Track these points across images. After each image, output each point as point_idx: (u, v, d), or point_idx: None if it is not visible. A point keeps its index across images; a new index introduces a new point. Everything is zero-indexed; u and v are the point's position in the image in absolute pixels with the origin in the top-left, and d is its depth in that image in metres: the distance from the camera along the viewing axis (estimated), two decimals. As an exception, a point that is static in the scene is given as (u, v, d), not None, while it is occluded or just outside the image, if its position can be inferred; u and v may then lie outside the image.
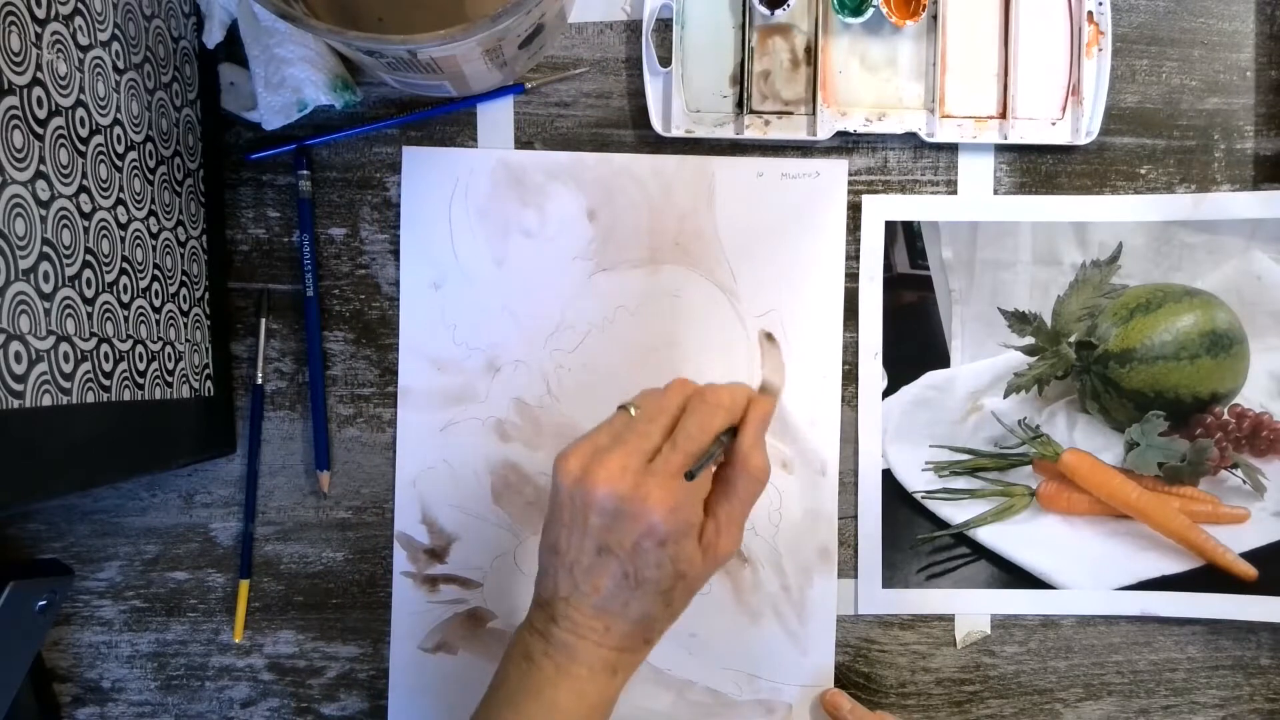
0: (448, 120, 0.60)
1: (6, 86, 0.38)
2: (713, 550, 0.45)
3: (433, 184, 0.59)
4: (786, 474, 0.60)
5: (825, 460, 0.60)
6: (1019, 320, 0.60)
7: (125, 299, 0.48)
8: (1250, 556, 0.59)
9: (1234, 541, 0.59)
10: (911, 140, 0.60)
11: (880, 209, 0.60)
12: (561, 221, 0.59)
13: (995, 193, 0.60)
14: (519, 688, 0.44)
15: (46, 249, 0.41)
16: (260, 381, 0.60)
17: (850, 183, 0.60)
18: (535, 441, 0.60)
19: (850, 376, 0.60)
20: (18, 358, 0.38)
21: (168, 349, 0.52)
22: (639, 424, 0.45)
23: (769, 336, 0.59)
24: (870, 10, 0.58)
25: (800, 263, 0.60)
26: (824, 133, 0.59)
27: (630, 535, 0.42)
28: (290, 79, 0.55)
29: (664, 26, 0.59)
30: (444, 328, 0.60)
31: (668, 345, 0.60)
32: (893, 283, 0.60)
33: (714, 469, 0.46)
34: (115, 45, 0.47)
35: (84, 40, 0.44)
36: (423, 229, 0.59)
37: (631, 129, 0.60)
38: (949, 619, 0.61)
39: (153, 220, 0.50)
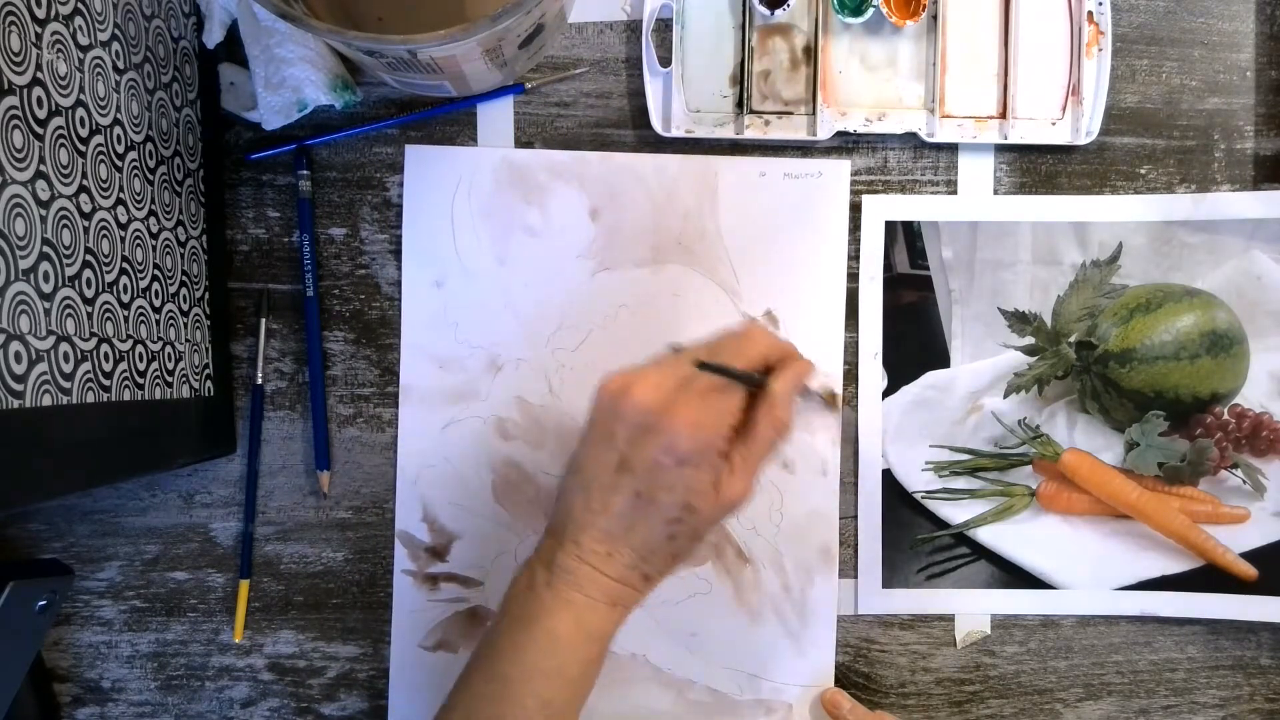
0: (448, 120, 0.60)
1: (6, 86, 0.38)
2: (723, 490, 0.44)
3: (435, 182, 0.59)
4: (787, 474, 0.60)
5: (825, 460, 0.60)
6: (1019, 320, 0.60)
7: (125, 299, 0.48)
8: (1250, 556, 0.59)
9: (1234, 541, 0.59)
10: (911, 140, 0.60)
11: (880, 209, 0.60)
12: (564, 220, 0.59)
13: (995, 193, 0.60)
14: (519, 616, 0.45)
15: (46, 249, 0.41)
16: (260, 381, 0.60)
17: (850, 183, 0.60)
18: (537, 440, 0.60)
19: (850, 376, 0.60)
20: (18, 358, 0.38)
21: (168, 349, 0.52)
22: (685, 354, 0.46)
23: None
24: (870, 10, 0.58)
25: (802, 262, 0.60)
26: (824, 133, 0.59)
27: (651, 450, 0.43)
28: (290, 79, 0.55)
29: (664, 26, 0.59)
30: (446, 326, 0.60)
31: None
32: (893, 283, 0.60)
33: (739, 412, 0.46)
34: (115, 45, 0.47)
35: (84, 40, 0.44)
36: (425, 227, 0.59)
37: (631, 129, 0.60)
38: (949, 619, 0.61)
39: (153, 220, 0.51)
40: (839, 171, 0.60)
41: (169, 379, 0.52)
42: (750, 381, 0.46)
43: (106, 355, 0.45)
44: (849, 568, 0.60)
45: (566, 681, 0.44)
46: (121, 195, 0.47)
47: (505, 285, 0.60)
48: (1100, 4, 0.59)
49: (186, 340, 0.54)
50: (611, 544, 0.44)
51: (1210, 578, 0.59)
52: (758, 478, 0.46)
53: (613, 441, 0.44)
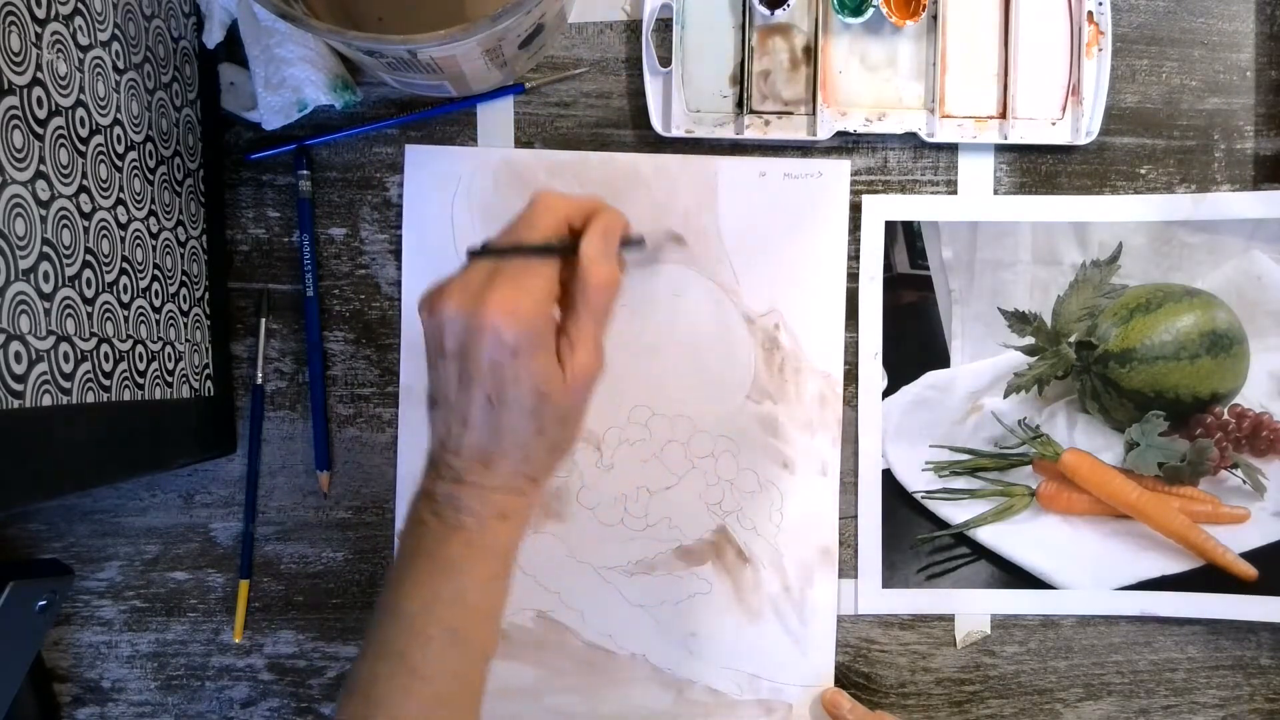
0: (448, 120, 0.60)
1: (6, 86, 0.38)
2: (570, 367, 0.43)
3: (435, 182, 0.59)
4: (787, 474, 0.60)
5: (826, 460, 0.60)
6: (1019, 320, 0.60)
7: (125, 299, 0.48)
8: (1250, 556, 0.59)
9: (1234, 541, 0.59)
10: (911, 140, 0.60)
11: (880, 209, 0.60)
12: None
13: (995, 193, 0.60)
14: (413, 550, 0.44)
15: (46, 249, 0.41)
16: (260, 381, 0.60)
17: (850, 183, 0.60)
18: (535, 441, 0.60)
19: (850, 376, 0.60)
20: (18, 358, 0.38)
21: (168, 349, 0.52)
22: (483, 251, 0.44)
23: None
24: (870, 10, 0.58)
25: (802, 262, 0.60)
26: (824, 133, 0.59)
27: (482, 350, 0.41)
28: (290, 79, 0.55)
29: (664, 26, 0.59)
30: (444, 327, 0.60)
31: (669, 344, 0.60)
32: (893, 283, 0.60)
33: (557, 283, 0.43)
34: (115, 45, 0.47)
35: (84, 40, 0.44)
36: (425, 227, 0.59)
37: (631, 129, 0.60)
38: (949, 619, 0.61)
39: (153, 220, 0.50)
40: (839, 171, 0.60)
41: (169, 379, 0.52)
42: (551, 250, 0.43)
43: (106, 355, 0.45)
44: (849, 568, 0.60)
45: (468, 607, 0.43)
46: (121, 195, 0.47)
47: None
48: (1100, 4, 0.59)
49: (186, 340, 0.54)
50: (484, 455, 0.43)
51: (1210, 578, 0.59)
52: (600, 345, 0.44)
53: (445, 355, 0.42)
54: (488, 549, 0.43)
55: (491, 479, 0.43)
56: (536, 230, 0.43)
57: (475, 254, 0.44)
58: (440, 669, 0.42)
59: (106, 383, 0.45)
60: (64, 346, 0.42)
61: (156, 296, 0.51)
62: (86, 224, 0.44)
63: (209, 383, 0.57)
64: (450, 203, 0.59)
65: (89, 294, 0.44)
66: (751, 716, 0.60)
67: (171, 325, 0.53)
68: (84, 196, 0.44)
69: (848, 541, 0.60)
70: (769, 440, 0.60)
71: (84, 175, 0.44)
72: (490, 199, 0.59)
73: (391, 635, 0.43)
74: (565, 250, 0.43)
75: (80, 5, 0.44)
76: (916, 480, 0.60)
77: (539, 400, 0.42)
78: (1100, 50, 0.59)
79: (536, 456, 0.44)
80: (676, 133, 0.59)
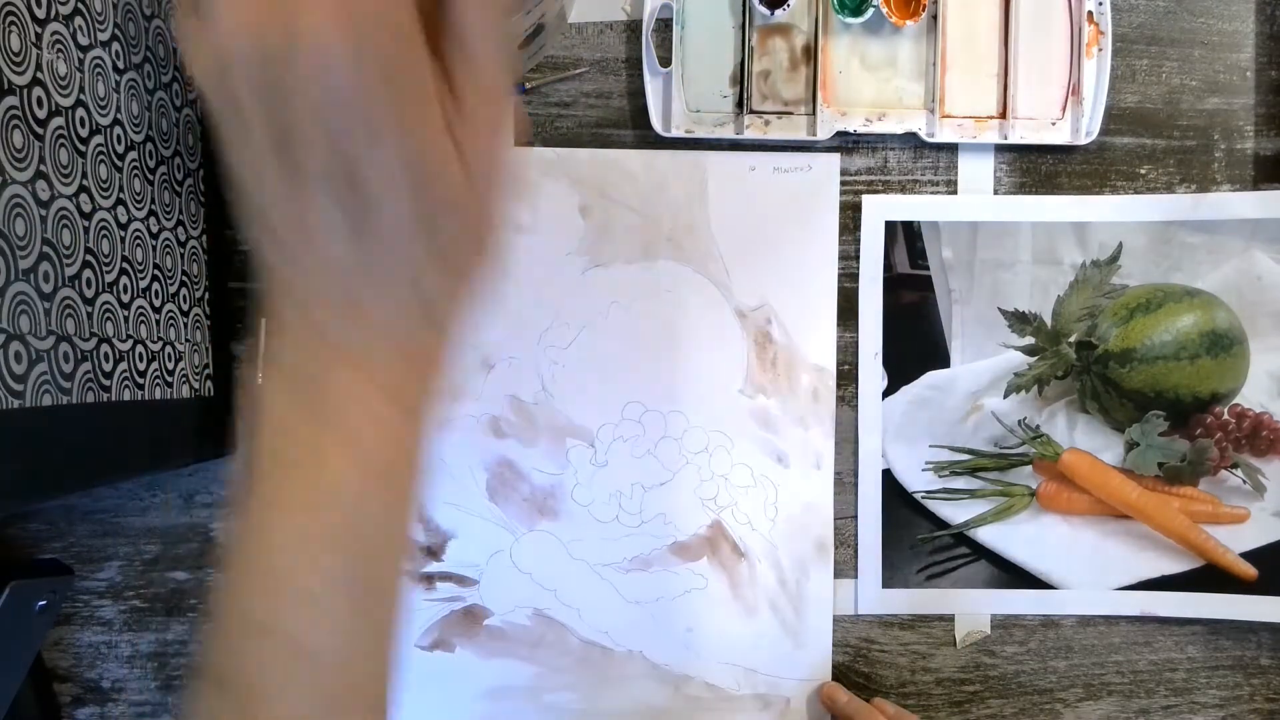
0: (448, 120, 0.60)
1: (6, 86, 0.38)
2: (467, 133, 0.26)
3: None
4: (781, 468, 0.60)
5: (820, 454, 0.60)
6: (1019, 320, 0.60)
7: (125, 299, 0.48)
8: (1250, 556, 0.59)
9: (1234, 541, 0.59)
10: (911, 140, 0.60)
11: (880, 209, 0.60)
12: (554, 217, 0.59)
13: (995, 193, 0.60)
14: (267, 474, 0.28)
15: (46, 249, 0.41)
16: (260, 381, 0.59)
17: (850, 183, 0.60)
18: (530, 438, 0.60)
19: (850, 376, 0.60)
20: (18, 358, 0.38)
21: (168, 349, 0.52)
22: None
23: None
24: (870, 10, 0.58)
25: (794, 256, 0.60)
26: (824, 133, 0.59)
27: (306, 91, 0.24)
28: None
29: (664, 26, 0.59)
30: (439, 326, 0.60)
31: (661, 340, 0.60)
32: (893, 283, 0.60)
33: None
34: (115, 45, 0.47)
35: (84, 40, 0.44)
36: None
37: (631, 129, 0.60)
38: (949, 619, 0.61)
39: (153, 220, 0.50)
40: (828, 164, 0.60)
41: (169, 379, 0.52)
42: None
43: (106, 355, 0.45)
44: (849, 568, 0.60)
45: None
46: (121, 195, 0.47)
47: (496, 283, 0.59)
48: (1100, 4, 0.59)
49: (186, 340, 0.54)
50: (349, 294, 0.27)
51: (1210, 578, 0.59)
52: (507, 90, 0.27)
53: (245, 119, 0.27)
54: (383, 460, 0.27)
55: (369, 334, 0.27)
56: None
57: None
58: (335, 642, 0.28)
59: (106, 383, 0.45)
60: (64, 346, 0.42)
61: (156, 296, 0.51)
62: (86, 224, 0.44)
63: (209, 383, 0.57)
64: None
65: (89, 294, 0.44)
66: (749, 711, 0.60)
67: (171, 325, 0.53)
68: (84, 196, 0.44)
69: (848, 541, 0.60)
70: (763, 434, 0.60)
71: (84, 175, 0.44)
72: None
73: (258, 602, 0.28)
74: None
75: (80, 5, 0.44)
76: (916, 480, 0.60)
77: (420, 181, 0.25)
78: (1100, 50, 0.59)
79: (434, 283, 0.27)
80: (676, 133, 0.59)
